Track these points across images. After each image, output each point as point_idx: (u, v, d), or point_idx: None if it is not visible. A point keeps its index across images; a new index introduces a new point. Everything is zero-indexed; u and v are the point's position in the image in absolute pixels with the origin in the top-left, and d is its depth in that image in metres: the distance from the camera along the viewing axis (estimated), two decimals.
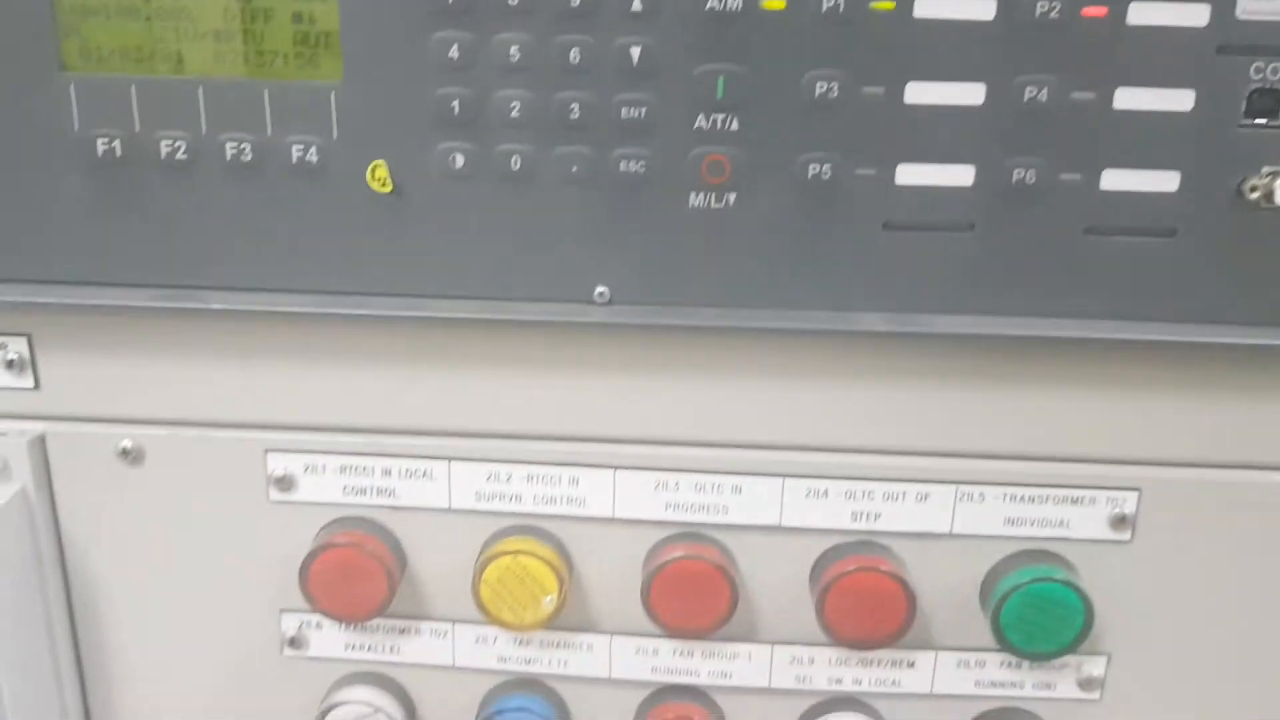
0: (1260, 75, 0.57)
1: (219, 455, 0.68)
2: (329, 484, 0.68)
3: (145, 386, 0.67)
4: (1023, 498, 0.66)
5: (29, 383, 0.67)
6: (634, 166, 0.60)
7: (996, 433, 0.66)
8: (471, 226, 0.61)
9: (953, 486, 0.66)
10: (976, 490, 0.66)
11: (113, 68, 0.60)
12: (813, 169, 0.59)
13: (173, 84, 0.60)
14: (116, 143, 0.60)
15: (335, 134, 0.60)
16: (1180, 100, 0.57)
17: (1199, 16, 0.56)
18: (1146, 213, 0.59)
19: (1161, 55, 0.57)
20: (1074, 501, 0.66)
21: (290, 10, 0.58)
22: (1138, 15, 0.56)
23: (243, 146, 0.60)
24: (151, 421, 0.68)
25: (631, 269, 0.62)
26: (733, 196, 0.60)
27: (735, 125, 0.59)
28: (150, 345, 0.66)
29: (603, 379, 0.66)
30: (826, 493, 0.67)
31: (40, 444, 0.68)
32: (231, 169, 0.61)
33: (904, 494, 0.66)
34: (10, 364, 0.67)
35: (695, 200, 0.60)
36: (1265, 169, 0.58)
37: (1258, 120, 0.58)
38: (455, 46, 0.58)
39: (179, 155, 0.60)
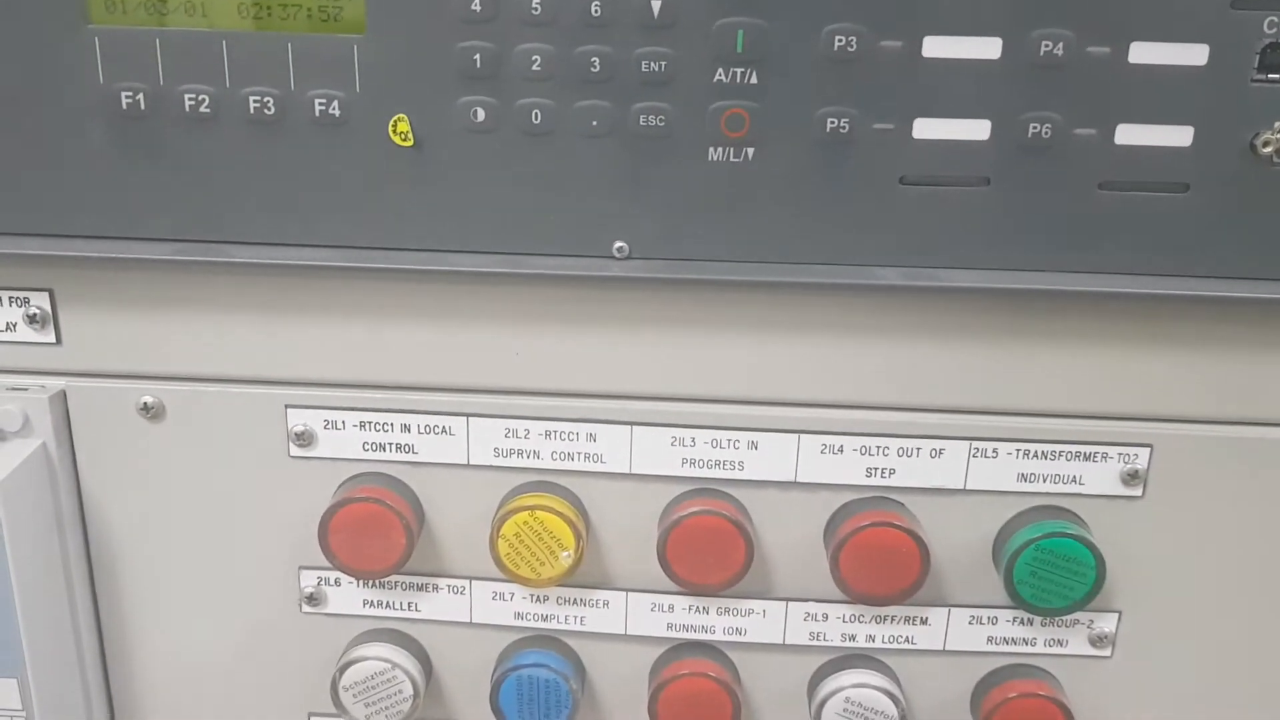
0: (1274, 30, 0.57)
1: (239, 411, 0.68)
2: (348, 440, 0.69)
3: (166, 342, 0.68)
4: (1036, 454, 0.67)
5: (50, 338, 0.68)
6: (654, 120, 0.60)
7: (1010, 388, 0.66)
8: (492, 180, 0.62)
9: (966, 443, 0.67)
10: (990, 446, 0.67)
11: (137, 20, 0.60)
12: (831, 123, 0.60)
13: (196, 37, 0.60)
14: (140, 96, 0.61)
15: (358, 87, 0.60)
16: (1194, 55, 0.58)
17: None
18: (1160, 168, 0.60)
19: (1176, 10, 0.57)
20: (1086, 457, 0.67)
21: None
22: None
23: (265, 100, 0.61)
24: (172, 377, 0.68)
25: (650, 223, 0.62)
26: (751, 151, 0.61)
27: (754, 79, 0.60)
28: (171, 300, 0.67)
29: (620, 335, 0.66)
30: (841, 449, 0.67)
31: (61, 399, 0.68)
32: (254, 122, 0.61)
33: (918, 450, 0.67)
34: (32, 319, 0.67)
35: (714, 154, 0.61)
36: (1278, 124, 0.59)
37: (1270, 76, 0.58)
38: (477, 0, 0.58)
39: (202, 108, 0.61)
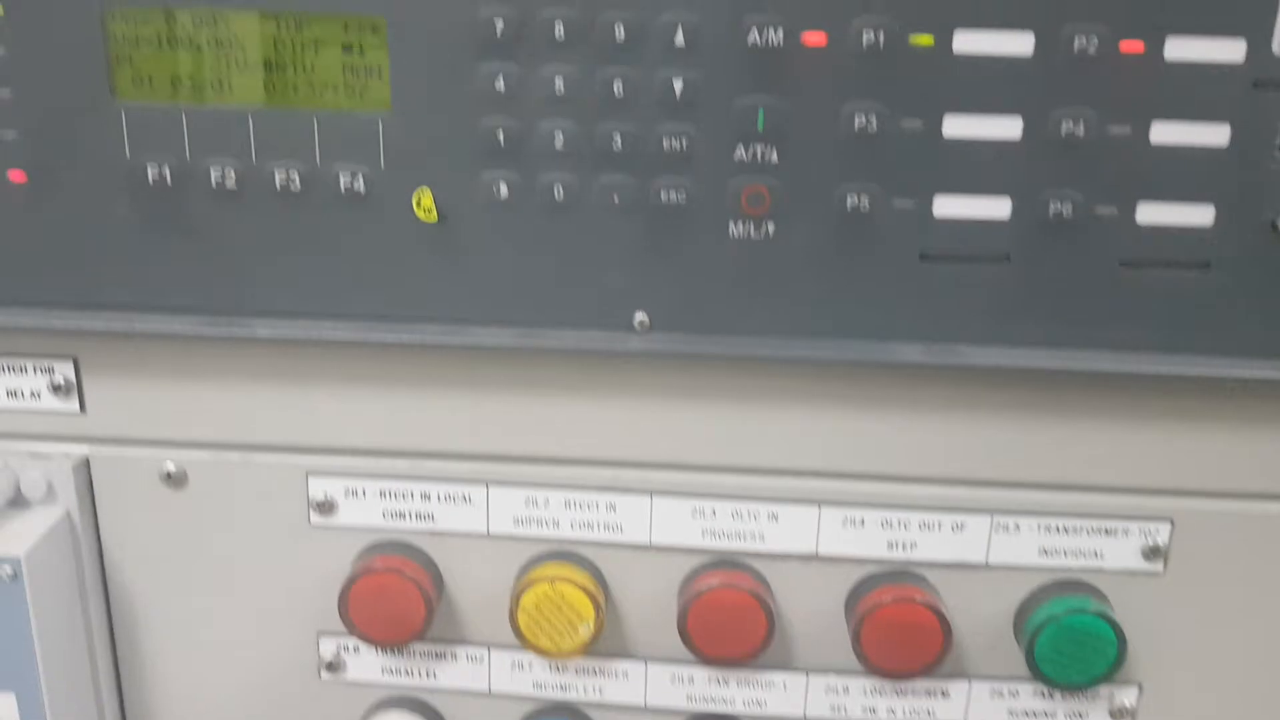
0: None
1: (261, 479, 0.69)
2: (369, 508, 0.69)
3: (189, 410, 0.68)
4: (1057, 528, 0.67)
5: (74, 406, 0.68)
6: (675, 196, 0.60)
7: (1031, 463, 0.66)
8: (514, 254, 0.62)
9: (988, 517, 0.67)
10: (1011, 521, 0.67)
11: (164, 96, 0.61)
12: (851, 200, 0.60)
13: (223, 113, 0.61)
14: (166, 170, 0.61)
15: (382, 163, 0.61)
16: (1216, 135, 0.58)
17: (1236, 52, 0.56)
18: (1181, 246, 0.60)
19: (1198, 90, 0.57)
20: (1107, 532, 0.67)
21: (340, 42, 0.59)
22: (1175, 50, 0.56)
23: (291, 175, 0.61)
24: (195, 445, 0.69)
25: (671, 297, 0.63)
26: (772, 226, 0.61)
27: (775, 157, 0.60)
28: (195, 369, 0.67)
29: (641, 405, 0.67)
30: (863, 522, 0.67)
31: (85, 467, 0.69)
32: (280, 196, 0.62)
33: (940, 524, 0.67)
34: (57, 388, 0.68)
35: (735, 230, 0.61)
36: None
37: None
38: (501, 78, 0.59)
39: (228, 183, 0.61)
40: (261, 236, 0.63)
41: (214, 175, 0.61)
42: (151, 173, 0.61)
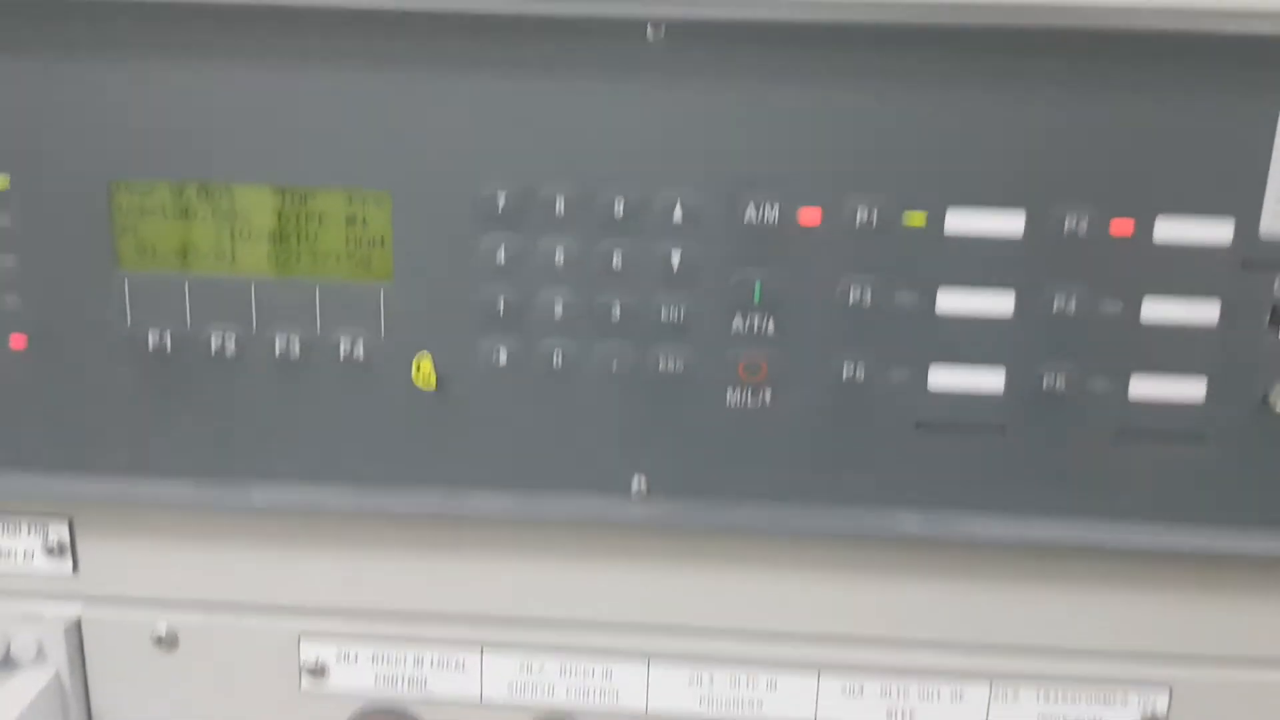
0: None
1: (252, 642, 0.68)
2: (361, 673, 0.68)
3: (182, 570, 0.68)
4: (1056, 696, 0.66)
5: (67, 568, 0.68)
6: (673, 364, 0.61)
7: (1029, 629, 0.66)
8: (512, 419, 0.63)
9: (986, 685, 0.66)
10: (1010, 689, 0.66)
11: (167, 266, 0.61)
12: (847, 370, 0.61)
13: (225, 282, 0.61)
14: (167, 337, 0.62)
15: (383, 331, 0.61)
16: (1206, 312, 0.59)
17: (1223, 234, 0.57)
18: (1175, 419, 0.61)
19: (1187, 270, 0.58)
20: (1106, 700, 0.66)
21: (344, 214, 0.60)
22: (1164, 231, 0.58)
23: (291, 342, 0.62)
24: (187, 606, 0.68)
25: (670, 461, 0.63)
26: (769, 395, 0.62)
27: (772, 327, 0.61)
28: (189, 530, 0.67)
29: (638, 568, 0.66)
30: (862, 690, 0.67)
31: (76, 629, 0.68)
32: (280, 363, 0.62)
33: (939, 693, 0.66)
34: (50, 550, 0.67)
35: (732, 398, 0.62)
36: None
37: None
38: (502, 250, 0.60)
39: (228, 350, 0.62)
40: (260, 402, 0.63)
41: (214, 342, 0.62)
42: (152, 339, 0.62)
